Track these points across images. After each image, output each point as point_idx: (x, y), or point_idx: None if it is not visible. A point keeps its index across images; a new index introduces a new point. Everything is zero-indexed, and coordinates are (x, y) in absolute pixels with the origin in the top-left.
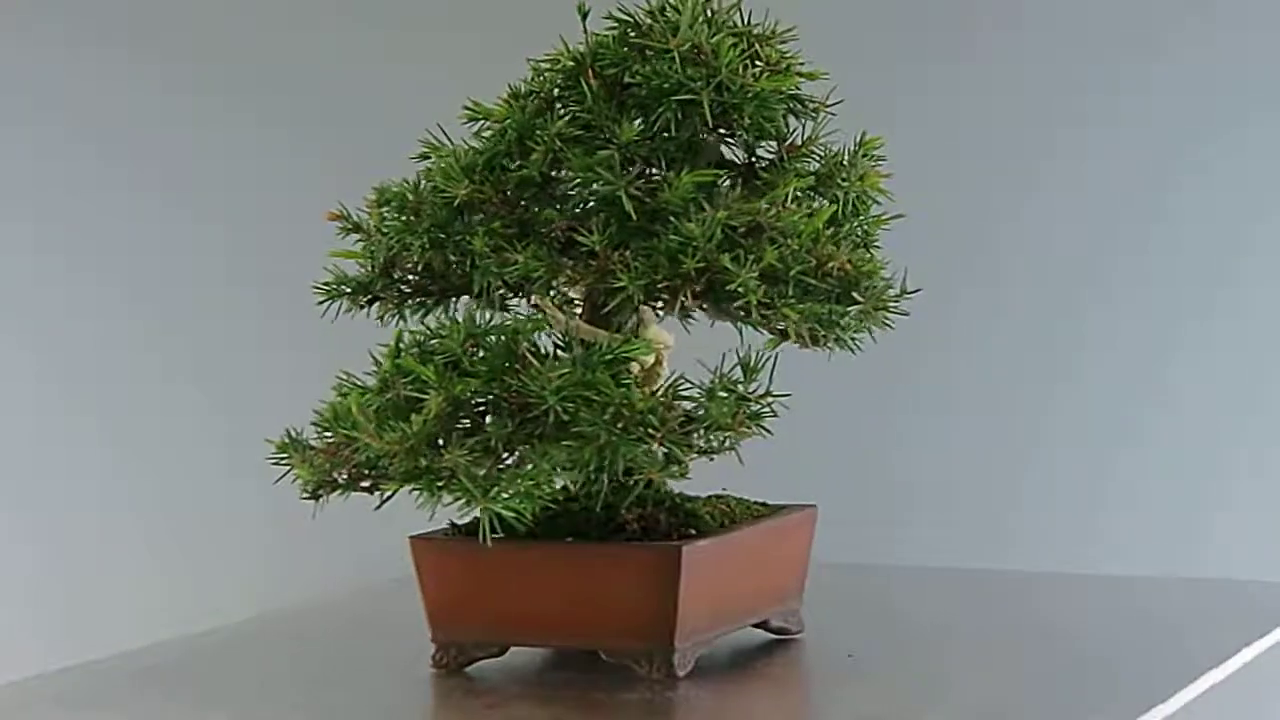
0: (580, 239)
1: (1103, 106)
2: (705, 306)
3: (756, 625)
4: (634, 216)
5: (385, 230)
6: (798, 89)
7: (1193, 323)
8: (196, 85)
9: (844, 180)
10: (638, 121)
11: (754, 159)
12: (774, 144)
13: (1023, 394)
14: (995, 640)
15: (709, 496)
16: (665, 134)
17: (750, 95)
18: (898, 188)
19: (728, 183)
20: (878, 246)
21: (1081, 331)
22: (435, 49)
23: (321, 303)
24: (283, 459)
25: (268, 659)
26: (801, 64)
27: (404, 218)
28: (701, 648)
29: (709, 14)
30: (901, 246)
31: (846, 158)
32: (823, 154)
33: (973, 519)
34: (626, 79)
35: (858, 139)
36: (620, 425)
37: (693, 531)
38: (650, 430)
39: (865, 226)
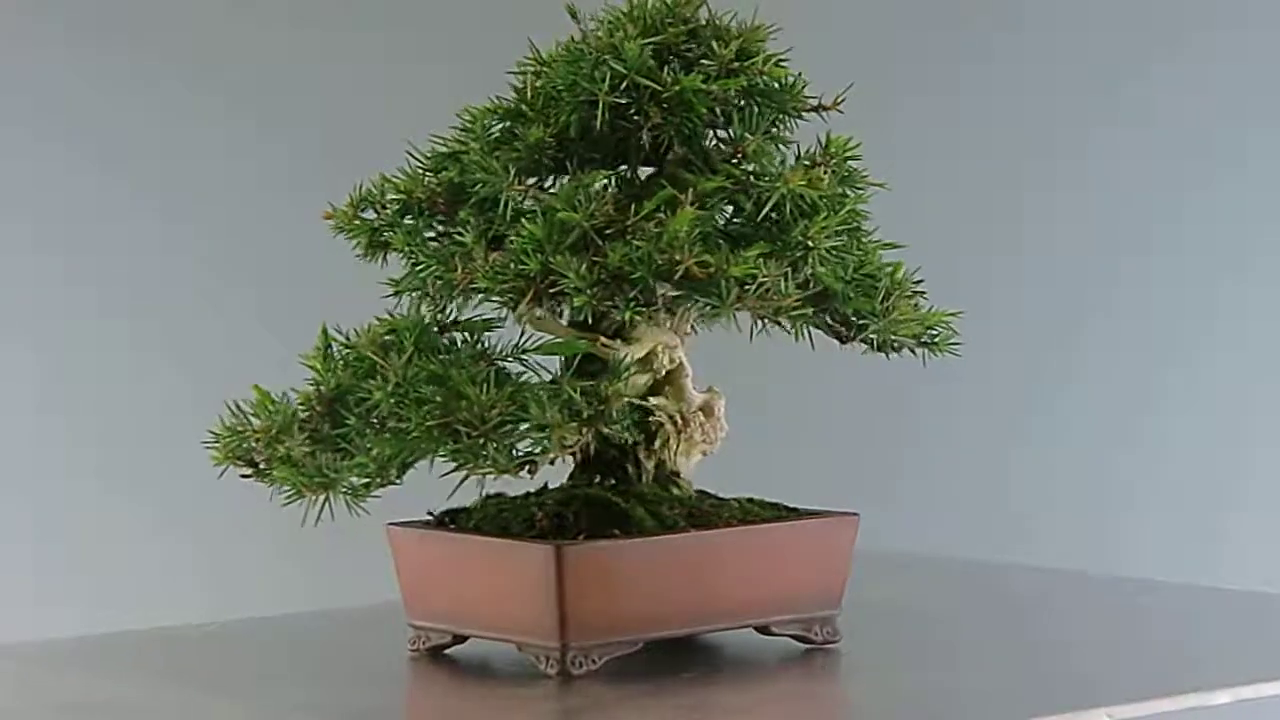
0: (458, 239)
1: (1104, 109)
2: (548, 308)
3: (761, 631)
4: (508, 218)
5: (350, 229)
6: (759, 86)
7: (1196, 323)
8: (196, 86)
9: (763, 181)
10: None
11: (685, 157)
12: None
13: (1026, 394)
14: (951, 634)
15: (727, 499)
16: (573, 136)
17: (662, 96)
18: (904, 188)
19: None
20: (820, 254)
21: (1085, 332)
22: (439, 51)
23: (386, 297)
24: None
25: (264, 649)
26: (763, 62)
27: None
28: (622, 648)
29: (658, 12)
30: (908, 247)
31: (776, 161)
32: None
33: (978, 518)
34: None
35: (823, 140)
36: (433, 423)
37: (615, 532)
38: (469, 429)
39: (806, 233)
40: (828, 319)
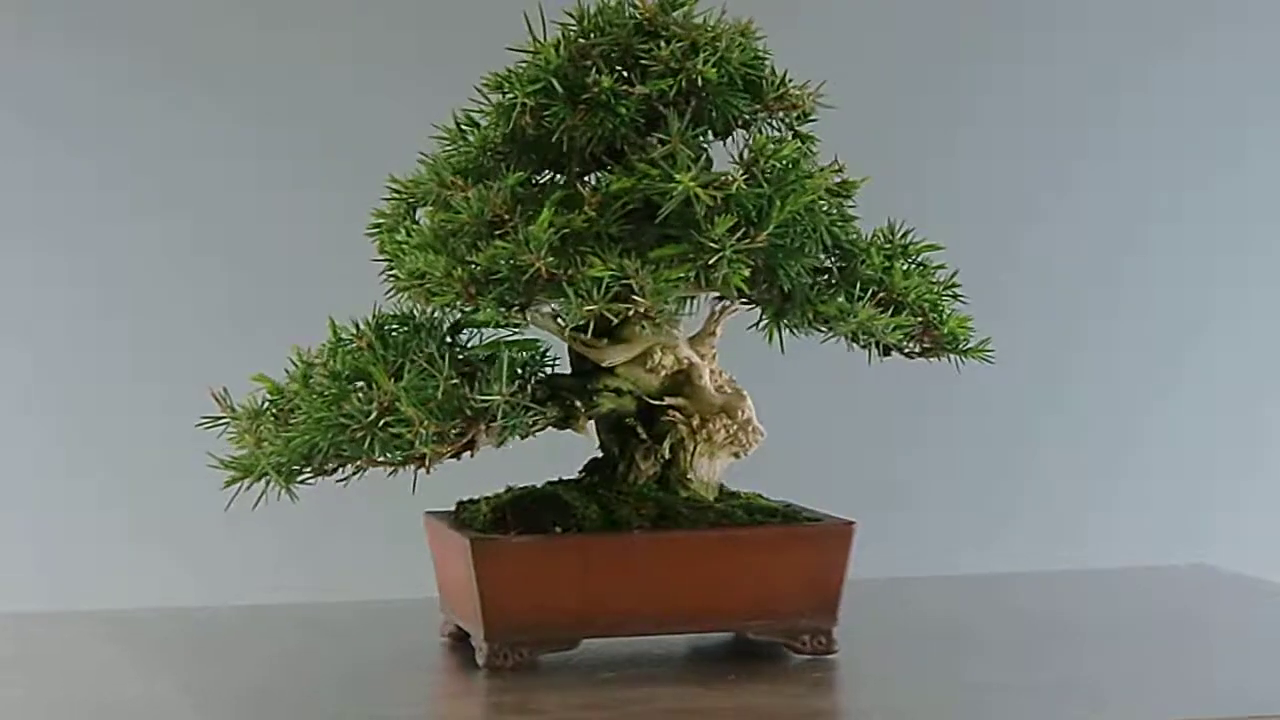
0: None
1: (1102, 111)
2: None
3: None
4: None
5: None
6: (698, 86)
7: (1195, 325)
8: (196, 89)
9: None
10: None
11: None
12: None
13: (1026, 396)
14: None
15: (730, 504)
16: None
17: (580, 98)
18: (903, 189)
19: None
20: (729, 257)
21: (1084, 335)
22: (441, 52)
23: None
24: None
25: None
26: (703, 61)
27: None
28: (555, 645)
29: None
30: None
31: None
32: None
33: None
34: None
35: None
36: (321, 414)
37: (558, 530)
38: (353, 422)
39: (711, 235)
40: (794, 320)
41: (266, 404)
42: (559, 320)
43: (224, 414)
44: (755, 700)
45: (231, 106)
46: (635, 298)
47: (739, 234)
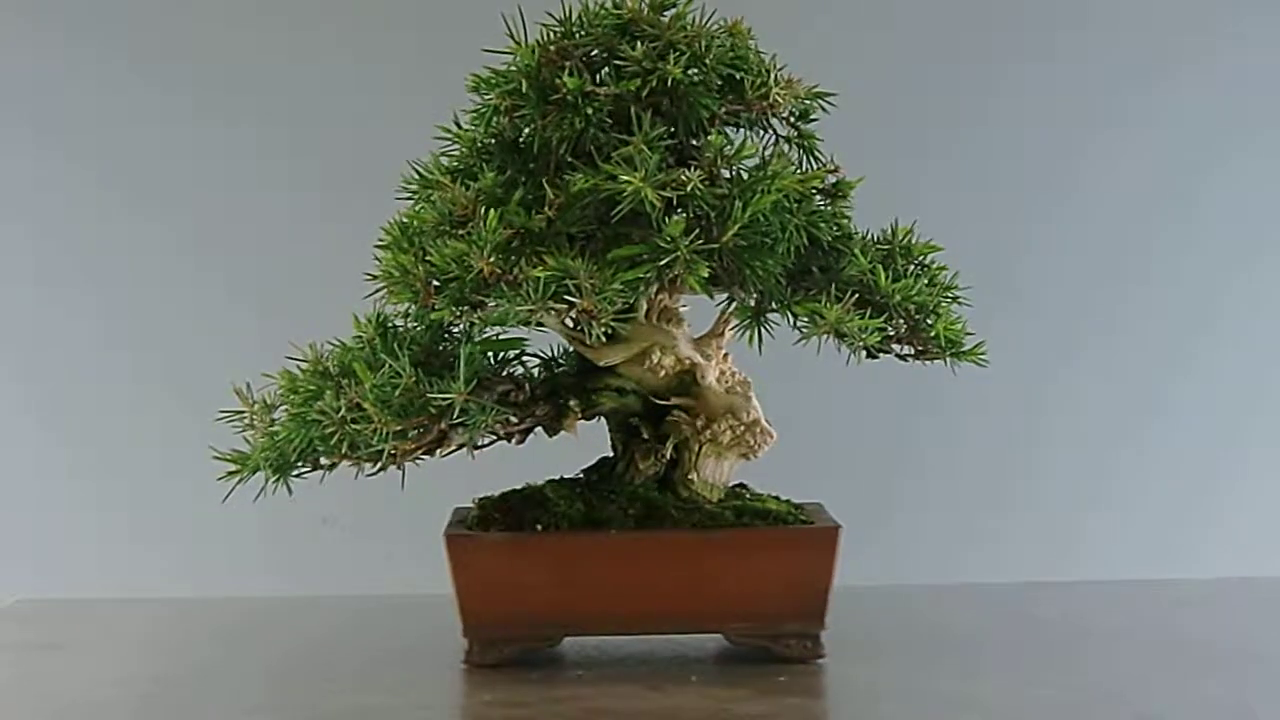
0: None
1: (1103, 111)
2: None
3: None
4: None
5: None
6: (666, 87)
7: (1195, 326)
8: (196, 89)
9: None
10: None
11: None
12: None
13: (1026, 399)
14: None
15: (733, 503)
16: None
17: (549, 99)
18: (904, 189)
19: None
20: (686, 258)
21: (1084, 335)
22: (441, 53)
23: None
24: None
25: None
26: (674, 62)
27: None
28: (531, 642)
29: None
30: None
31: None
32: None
33: (976, 522)
34: None
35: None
36: (296, 411)
37: (538, 528)
38: (325, 419)
39: (669, 238)
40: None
41: (280, 399)
42: (565, 320)
43: (245, 409)
44: (685, 702)
45: (232, 106)
46: (568, 298)
47: (695, 234)
